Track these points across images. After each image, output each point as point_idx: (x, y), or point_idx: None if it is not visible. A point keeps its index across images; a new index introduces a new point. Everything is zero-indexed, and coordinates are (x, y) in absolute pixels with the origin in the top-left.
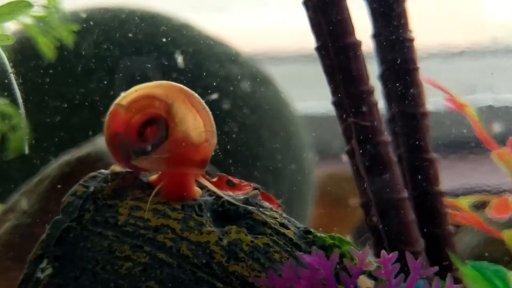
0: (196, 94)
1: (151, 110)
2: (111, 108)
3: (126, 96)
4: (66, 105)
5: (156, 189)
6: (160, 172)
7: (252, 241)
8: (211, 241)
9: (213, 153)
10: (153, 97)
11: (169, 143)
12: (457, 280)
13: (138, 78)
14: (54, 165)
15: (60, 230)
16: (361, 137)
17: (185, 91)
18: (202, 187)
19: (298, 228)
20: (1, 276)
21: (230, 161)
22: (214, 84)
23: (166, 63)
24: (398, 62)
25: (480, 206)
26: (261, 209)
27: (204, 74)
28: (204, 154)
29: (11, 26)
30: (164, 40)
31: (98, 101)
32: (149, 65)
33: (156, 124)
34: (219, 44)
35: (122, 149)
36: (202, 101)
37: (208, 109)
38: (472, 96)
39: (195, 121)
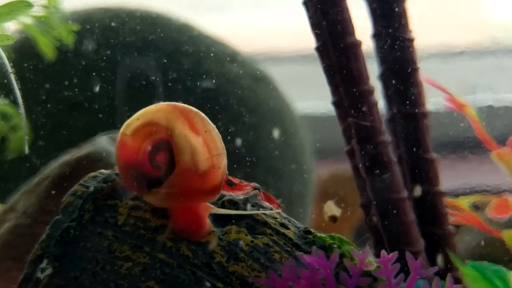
0: (199, 114)
1: (156, 136)
2: (118, 139)
3: (129, 125)
4: (66, 105)
5: (167, 232)
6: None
7: (252, 241)
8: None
9: (226, 174)
10: (154, 124)
11: (174, 175)
12: (457, 280)
13: (143, 82)
14: (54, 165)
15: (60, 230)
16: (361, 137)
17: (186, 114)
18: None
19: (298, 228)
20: (1, 276)
21: (230, 161)
22: (214, 84)
23: (166, 63)
24: (398, 62)
25: (480, 206)
26: (261, 209)
27: (204, 74)
28: (213, 180)
29: (11, 26)
30: (164, 40)
31: (98, 101)
32: (150, 67)
33: (164, 150)
34: (219, 44)
35: (137, 179)
36: (207, 121)
37: (214, 129)
38: (472, 96)
39: (198, 148)
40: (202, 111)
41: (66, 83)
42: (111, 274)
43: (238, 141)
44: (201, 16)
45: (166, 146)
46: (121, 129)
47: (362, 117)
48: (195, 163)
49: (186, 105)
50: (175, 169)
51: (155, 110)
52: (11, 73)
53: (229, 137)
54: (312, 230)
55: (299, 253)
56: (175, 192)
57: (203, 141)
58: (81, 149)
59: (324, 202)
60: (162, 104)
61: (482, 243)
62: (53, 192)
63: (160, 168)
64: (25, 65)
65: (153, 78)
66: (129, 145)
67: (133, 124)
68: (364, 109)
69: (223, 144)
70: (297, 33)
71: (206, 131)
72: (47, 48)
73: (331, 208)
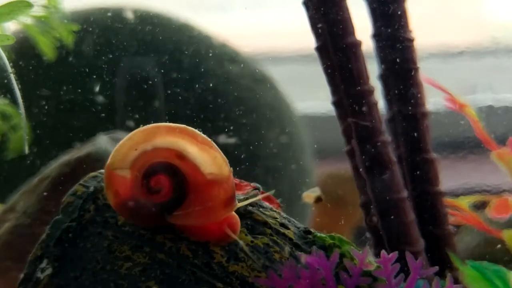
0: (194, 129)
1: (150, 162)
2: (110, 174)
3: (123, 158)
4: (66, 105)
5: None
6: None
7: (252, 241)
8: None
9: None
10: (157, 150)
11: (201, 191)
12: (457, 280)
13: (143, 82)
14: (54, 165)
15: (60, 230)
16: (361, 137)
17: (186, 131)
18: None
19: (298, 228)
20: (1, 276)
21: (230, 161)
22: (214, 84)
23: (166, 63)
24: (398, 62)
25: (480, 206)
26: (261, 209)
27: (204, 74)
28: (232, 186)
29: (11, 26)
30: (164, 40)
31: (98, 101)
32: (150, 67)
33: (164, 172)
34: (219, 44)
35: (147, 210)
36: (202, 134)
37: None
38: (472, 96)
39: (216, 159)
40: (202, 111)
41: (66, 83)
42: (111, 274)
43: (238, 141)
44: (201, 16)
45: (166, 168)
46: (113, 163)
47: (362, 117)
48: (217, 173)
49: (176, 124)
50: (189, 185)
51: (150, 136)
52: (11, 73)
53: (229, 137)
54: (312, 230)
55: (299, 253)
56: (208, 207)
57: (214, 151)
58: (81, 149)
59: (324, 202)
60: (152, 128)
61: (482, 243)
62: (53, 192)
63: (162, 192)
64: (25, 65)
65: (153, 78)
66: (129, 179)
67: (130, 155)
68: (364, 109)
69: None
70: (297, 33)
71: (210, 141)
72: (47, 48)
73: (310, 195)
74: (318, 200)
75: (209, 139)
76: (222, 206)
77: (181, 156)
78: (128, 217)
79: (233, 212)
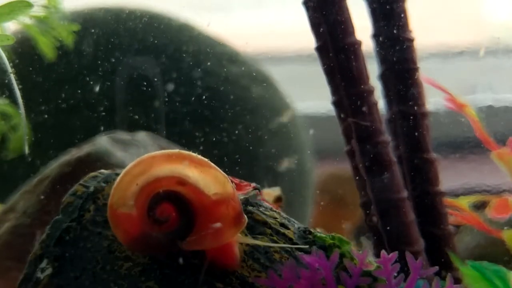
0: (189, 152)
1: (153, 192)
2: (114, 214)
3: (125, 194)
4: (66, 105)
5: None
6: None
7: None
8: None
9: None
10: (157, 180)
11: (209, 212)
12: (457, 280)
13: (143, 82)
14: (54, 165)
15: (60, 230)
16: (361, 137)
17: (184, 156)
18: None
19: (298, 228)
20: (1, 276)
21: (230, 161)
22: (214, 84)
23: (166, 63)
24: (398, 62)
25: (480, 206)
26: (261, 209)
27: (204, 74)
28: (239, 202)
29: (11, 26)
30: (164, 40)
31: (98, 101)
32: (150, 67)
33: (166, 201)
34: (219, 44)
35: (159, 241)
36: (198, 155)
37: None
38: (472, 96)
39: (217, 178)
40: (202, 111)
41: (66, 83)
42: (111, 274)
43: (238, 141)
44: (201, 16)
45: (169, 196)
46: (115, 202)
47: (362, 117)
48: (222, 192)
49: (171, 150)
50: (196, 209)
51: (147, 167)
52: (11, 73)
53: (229, 137)
54: (312, 230)
55: (299, 253)
56: (219, 229)
57: (214, 170)
58: (81, 149)
59: (324, 202)
60: (147, 159)
61: (482, 243)
62: (53, 192)
63: (169, 220)
64: (25, 65)
65: (153, 78)
66: (134, 215)
67: (131, 191)
68: (364, 109)
69: None
70: (297, 33)
71: (208, 161)
72: (47, 48)
73: (270, 193)
74: (278, 199)
75: (206, 159)
76: (233, 224)
77: (182, 181)
78: (143, 252)
79: (237, 248)
